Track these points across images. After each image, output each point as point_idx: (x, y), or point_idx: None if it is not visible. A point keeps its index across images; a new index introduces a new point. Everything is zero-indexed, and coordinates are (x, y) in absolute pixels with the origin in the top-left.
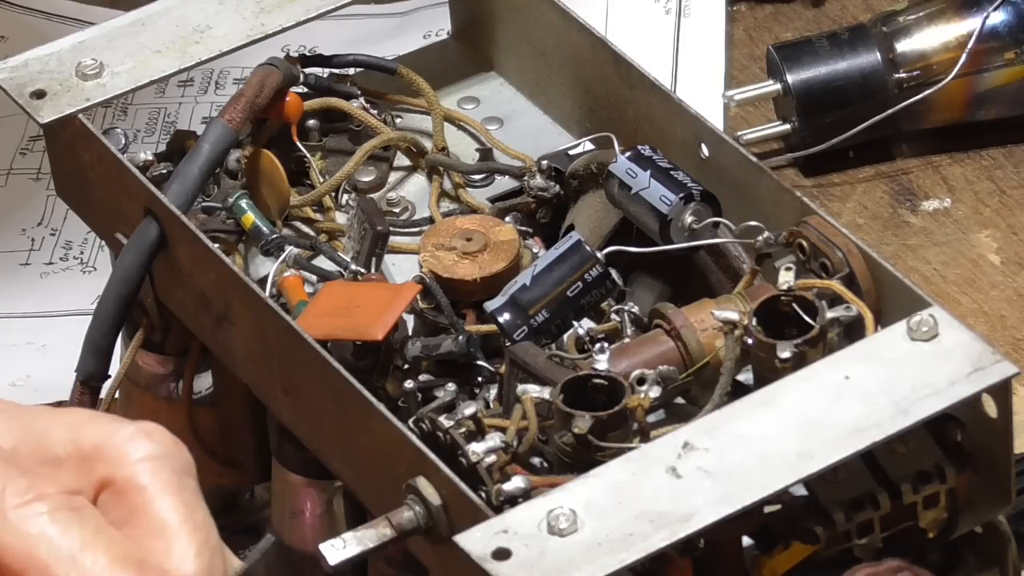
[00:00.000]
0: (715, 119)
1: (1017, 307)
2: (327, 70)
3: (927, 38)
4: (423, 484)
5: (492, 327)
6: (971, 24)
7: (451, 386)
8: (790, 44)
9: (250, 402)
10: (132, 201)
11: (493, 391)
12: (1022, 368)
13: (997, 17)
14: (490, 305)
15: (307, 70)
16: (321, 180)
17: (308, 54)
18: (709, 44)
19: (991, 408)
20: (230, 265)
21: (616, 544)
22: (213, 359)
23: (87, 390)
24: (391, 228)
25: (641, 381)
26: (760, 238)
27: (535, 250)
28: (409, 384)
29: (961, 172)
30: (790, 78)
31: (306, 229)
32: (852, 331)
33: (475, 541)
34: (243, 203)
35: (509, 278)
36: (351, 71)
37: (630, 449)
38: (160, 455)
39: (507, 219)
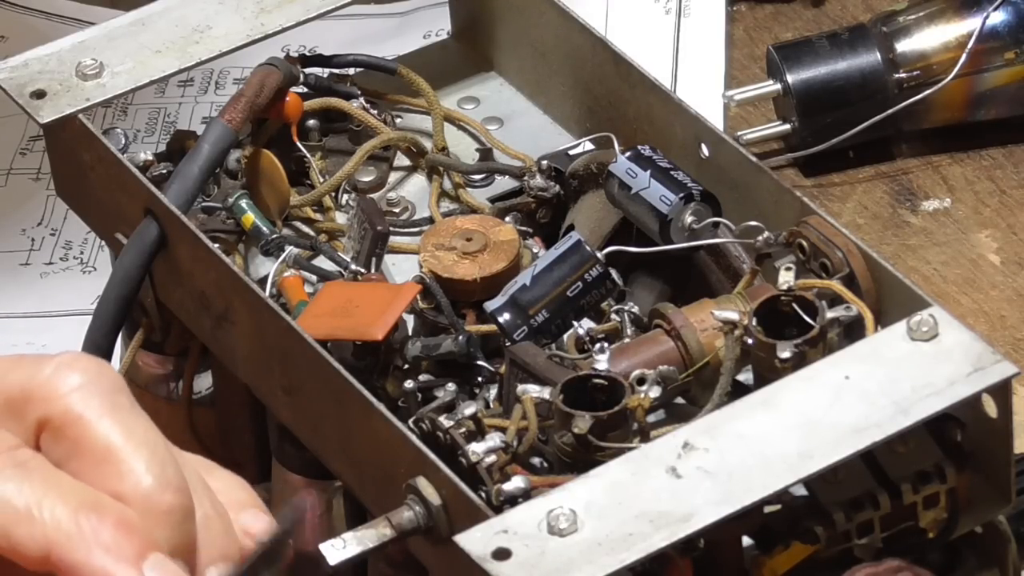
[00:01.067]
0: (715, 119)
1: (1017, 307)
2: (327, 70)
3: (927, 38)
4: (423, 484)
5: (492, 327)
6: (971, 24)
7: (451, 386)
8: (790, 44)
9: (250, 402)
10: (132, 201)
11: (493, 391)
12: (1022, 368)
13: (997, 17)
14: (490, 305)
15: (307, 70)
16: (321, 180)
17: (308, 54)
18: (709, 44)
19: (991, 408)
20: (230, 265)
21: (616, 544)
22: (213, 359)
23: None
24: (391, 228)
25: (641, 381)
26: (760, 238)
27: (535, 250)
28: (409, 384)
29: (961, 172)
30: (790, 78)
31: (306, 229)
32: (852, 331)
33: (475, 541)
34: (243, 203)
35: (509, 278)
36: (351, 71)
37: (630, 449)
38: (87, 382)
39: (507, 219)
